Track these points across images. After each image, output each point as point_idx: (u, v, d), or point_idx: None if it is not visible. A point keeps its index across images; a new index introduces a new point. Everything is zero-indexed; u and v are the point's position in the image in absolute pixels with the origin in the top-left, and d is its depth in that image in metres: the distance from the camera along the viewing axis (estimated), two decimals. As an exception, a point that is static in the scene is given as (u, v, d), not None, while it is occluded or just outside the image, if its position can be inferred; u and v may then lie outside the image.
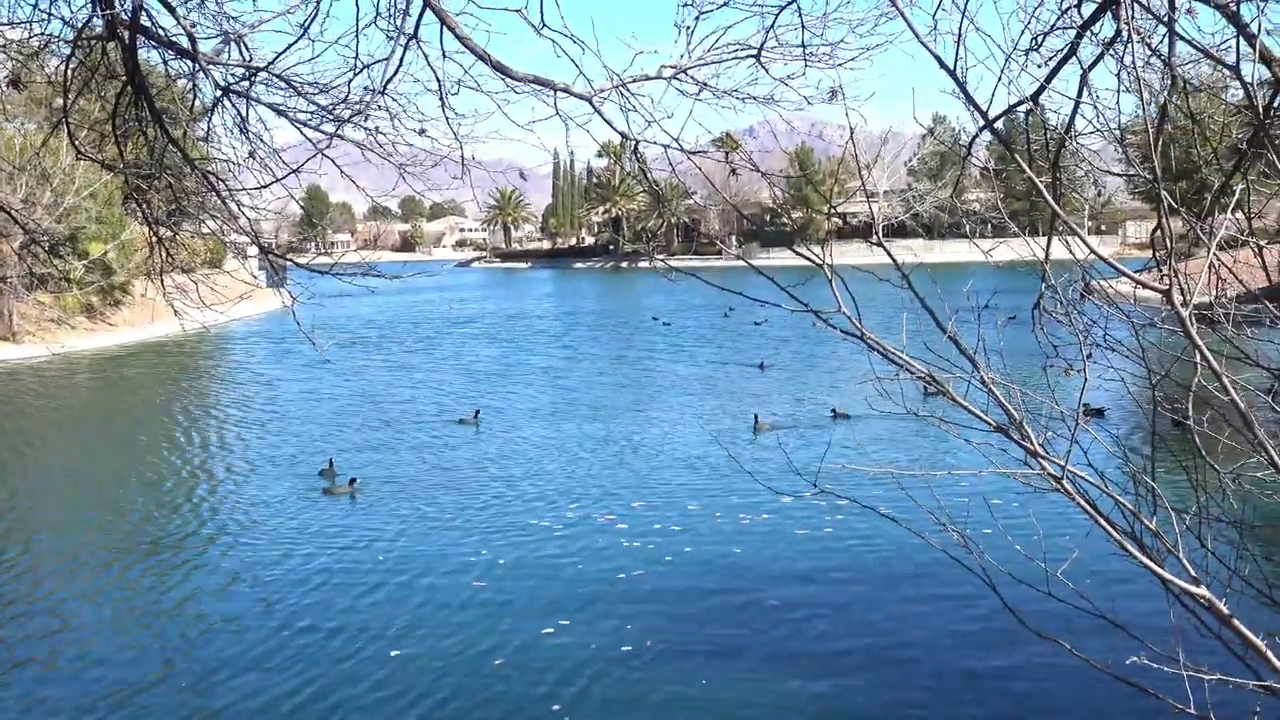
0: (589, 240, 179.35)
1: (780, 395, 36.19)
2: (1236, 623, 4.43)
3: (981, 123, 4.81)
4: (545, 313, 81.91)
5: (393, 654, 15.00)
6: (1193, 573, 4.52)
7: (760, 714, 13.07)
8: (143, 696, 13.89)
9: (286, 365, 50.17)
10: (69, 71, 6.47)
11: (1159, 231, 4.73)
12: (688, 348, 53.36)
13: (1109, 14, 5.38)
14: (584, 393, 40.00)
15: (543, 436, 30.97)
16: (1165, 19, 5.07)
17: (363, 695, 13.76)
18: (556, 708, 13.26)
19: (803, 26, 5.70)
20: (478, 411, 33.20)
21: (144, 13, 5.93)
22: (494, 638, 15.53)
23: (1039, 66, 5.80)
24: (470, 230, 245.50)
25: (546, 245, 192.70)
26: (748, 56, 5.72)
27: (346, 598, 17.45)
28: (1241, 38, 4.81)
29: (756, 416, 30.79)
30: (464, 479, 25.80)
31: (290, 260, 7.60)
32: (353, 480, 24.98)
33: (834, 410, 31.97)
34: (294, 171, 6.57)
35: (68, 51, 6.39)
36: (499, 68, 5.59)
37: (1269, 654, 4.43)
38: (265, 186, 6.74)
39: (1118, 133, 6.26)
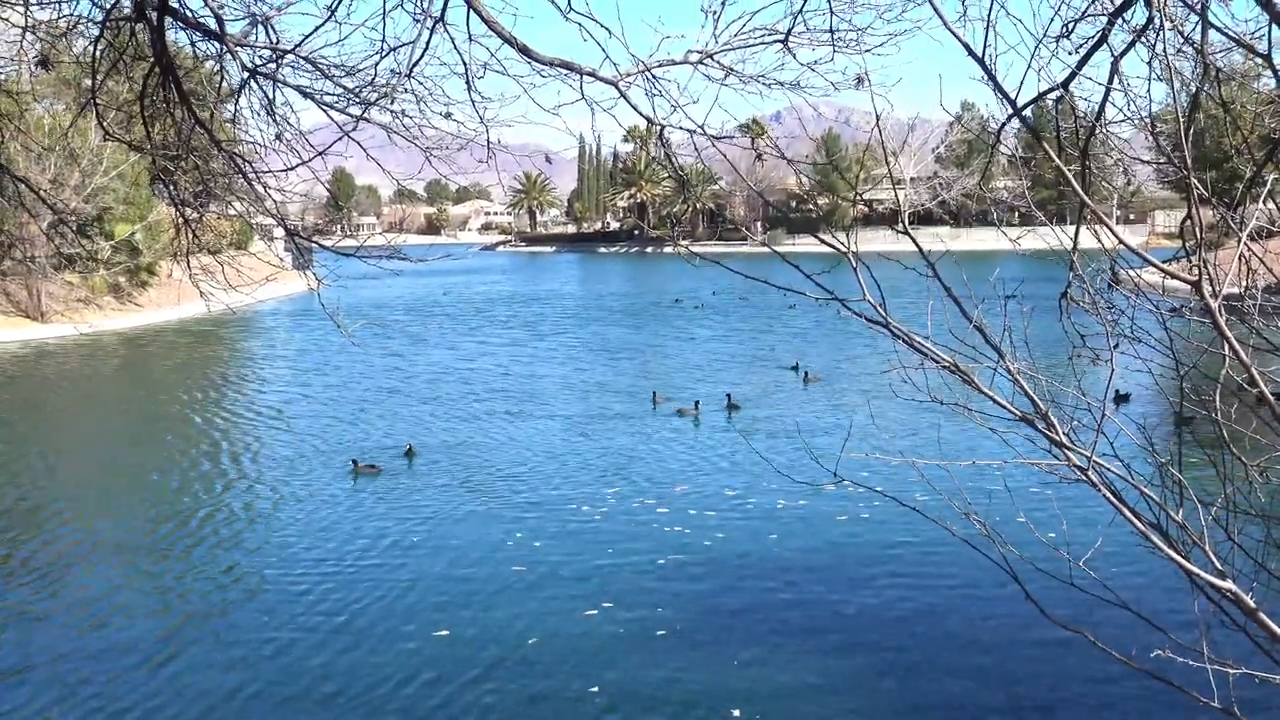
0: (614, 225, 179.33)
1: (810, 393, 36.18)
2: (1263, 616, 4.39)
3: (1010, 110, 4.76)
4: (575, 295, 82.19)
5: (435, 633, 15.20)
6: (1219, 566, 4.48)
7: (783, 698, 13.10)
8: (178, 671, 14.05)
9: (314, 345, 50.42)
10: (97, 52, 6.49)
11: (1189, 221, 4.68)
12: (717, 333, 53.36)
13: (1141, 1, 5.32)
14: (622, 374, 40.13)
15: (583, 417, 31.22)
16: (1197, 6, 5.01)
17: (401, 670, 13.96)
18: (594, 689, 13.40)
19: (831, 11, 5.66)
20: (697, 402, 32.14)
21: (172, -6, 5.94)
22: (530, 617, 15.73)
23: (1069, 54, 5.74)
24: (495, 214, 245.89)
25: (571, 229, 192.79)
26: (775, 41, 5.68)
27: (386, 575, 17.69)
28: (1274, 25, 4.74)
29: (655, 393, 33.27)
30: (503, 458, 26.03)
31: (316, 242, 7.62)
32: (376, 471, 25.09)
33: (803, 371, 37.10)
34: (320, 154, 6.57)
35: (96, 32, 6.41)
36: (525, 51, 5.57)
37: (1295, 648, 4.39)
38: (292, 169, 6.74)
39: (1148, 121, 6.19)
